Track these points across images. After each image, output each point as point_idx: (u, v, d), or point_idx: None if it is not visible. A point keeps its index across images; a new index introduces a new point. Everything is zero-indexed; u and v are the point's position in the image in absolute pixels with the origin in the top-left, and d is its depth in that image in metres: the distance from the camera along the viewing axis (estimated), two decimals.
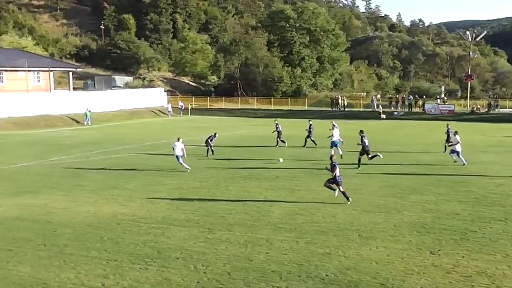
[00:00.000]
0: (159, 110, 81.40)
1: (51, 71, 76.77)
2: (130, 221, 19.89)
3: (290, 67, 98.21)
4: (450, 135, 33.89)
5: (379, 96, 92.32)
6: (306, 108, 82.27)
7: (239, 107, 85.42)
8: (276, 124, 43.62)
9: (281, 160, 33.57)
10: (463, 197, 23.48)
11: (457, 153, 32.02)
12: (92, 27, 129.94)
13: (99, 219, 20.15)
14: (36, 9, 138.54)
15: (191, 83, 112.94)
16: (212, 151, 36.55)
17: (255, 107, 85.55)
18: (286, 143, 42.19)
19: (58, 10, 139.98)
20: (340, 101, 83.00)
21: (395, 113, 75.89)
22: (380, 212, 20.91)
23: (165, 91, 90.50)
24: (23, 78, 71.42)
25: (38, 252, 16.40)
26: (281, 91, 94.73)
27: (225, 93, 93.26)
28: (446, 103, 79.60)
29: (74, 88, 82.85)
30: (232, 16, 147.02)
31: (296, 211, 21.15)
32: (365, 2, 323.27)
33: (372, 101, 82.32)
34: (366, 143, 31.60)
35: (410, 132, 54.79)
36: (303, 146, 41.51)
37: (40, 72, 75.22)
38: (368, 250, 16.35)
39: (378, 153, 32.32)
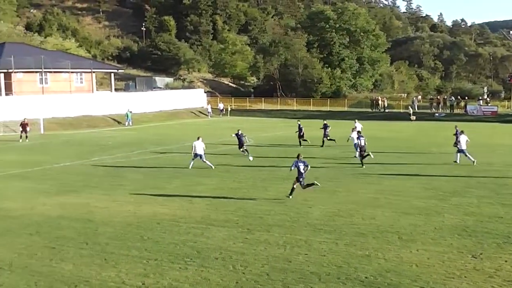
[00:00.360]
0: (199, 111, 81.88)
1: (94, 72, 77.98)
2: (170, 221, 20.05)
3: (329, 68, 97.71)
4: (459, 137, 33.69)
5: (419, 97, 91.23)
6: (346, 109, 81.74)
7: (278, 108, 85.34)
8: (299, 124, 44.19)
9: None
10: (506, 200, 23.01)
11: (463, 152, 32.26)
12: (134, 29, 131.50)
13: (140, 219, 20.36)
14: (79, 12, 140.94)
15: (230, 84, 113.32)
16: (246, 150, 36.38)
17: (294, 108, 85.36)
18: (309, 141, 42.96)
19: (101, 13, 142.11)
20: (380, 102, 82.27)
21: (436, 114, 74.84)
22: (421, 214, 20.64)
23: (204, 92, 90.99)
24: (67, 80, 72.71)
25: (80, 251, 16.66)
26: (320, 92, 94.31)
27: (264, 94, 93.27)
28: (489, 104, 78.17)
29: (115, 89, 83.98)
30: (272, 17, 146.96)
31: (336, 212, 21.03)
32: (406, 2, 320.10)
33: (412, 102, 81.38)
34: (363, 143, 32.97)
35: (451, 134, 53.95)
36: (321, 146, 41.83)
37: (83, 74, 76.47)
38: (408, 252, 16.16)
39: (370, 153, 32.86)
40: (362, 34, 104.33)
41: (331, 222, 19.61)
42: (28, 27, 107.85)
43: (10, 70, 66.36)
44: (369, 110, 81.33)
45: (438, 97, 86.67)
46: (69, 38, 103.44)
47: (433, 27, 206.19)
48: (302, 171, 23.23)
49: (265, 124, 63.23)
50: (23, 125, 49.91)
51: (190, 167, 31.78)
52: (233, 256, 15.94)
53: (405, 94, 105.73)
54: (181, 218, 20.36)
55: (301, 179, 23.21)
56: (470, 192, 24.58)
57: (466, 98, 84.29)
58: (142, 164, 34.36)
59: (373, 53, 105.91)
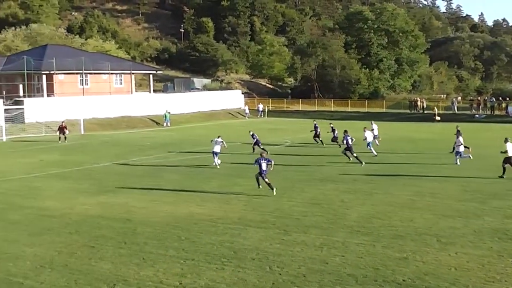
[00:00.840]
0: (237, 112, 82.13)
1: (133, 73, 78.91)
2: (207, 221, 20.14)
3: (367, 69, 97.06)
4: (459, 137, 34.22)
5: (459, 98, 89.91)
6: (384, 110, 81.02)
7: (316, 109, 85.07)
8: (315, 124, 45.19)
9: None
10: None
11: (460, 154, 33.04)
12: (172, 30, 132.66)
13: (177, 219, 20.51)
14: (119, 14, 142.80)
15: (268, 85, 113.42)
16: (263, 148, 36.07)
17: (332, 109, 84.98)
18: (324, 144, 43.57)
19: (140, 15, 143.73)
20: (419, 103, 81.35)
21: (476, 115, 73.64)
22: (460, 217, 20.34)
23: (242, 93, 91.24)
24: (106, 81, 73.72)
25: (119, 250, 16.86)
26: (358, 93, 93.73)
27: (301, 95, 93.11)
28: None
29: (154, 90, 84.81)
30: (310, 18, 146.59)
31: (373, 214, 20.87)
32: (445, 2, 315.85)
33: (452, 103, 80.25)
34: (350, 143, 33.91)
35: (491, 135, 53.00)
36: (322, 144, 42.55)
37: (122, 75, 77.44)
38: (446, 255, 15.93)
39: (352, 157, 33.90)
40: (400, 34, 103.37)
41: (368, 224, 19.47)
42: (70, 30, 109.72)
43: (52, 72, 67.62)
44: (408, 111, 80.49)
45: (478, 98, 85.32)
46: (109, 40, 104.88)
47: (474, 27, 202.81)
48: (265, 168, 25.13)
49: (303, 125, 62.93)
50: (61, 128, 50.73)
51: (215, 164, 32.73)
52: (270, 257, 15.94)
53: (444, 95, 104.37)
54: (218, 219, 20.44)
55: (263, 175, 25.06)
56: (511, 195, 24.12)
57: (507, 99, 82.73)
58: (179, 165, 34.62)
59: (412, 54, 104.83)
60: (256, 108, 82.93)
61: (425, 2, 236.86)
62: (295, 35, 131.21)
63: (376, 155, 36.27)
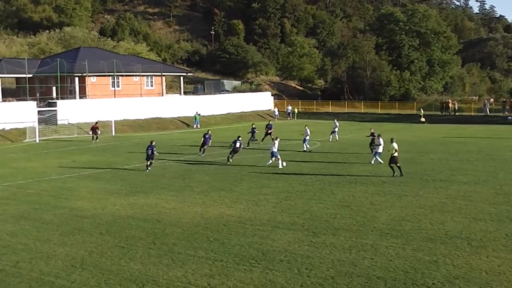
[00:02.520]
0: (266, 114, 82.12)
1: (164, 75, 79.43)
2: (236, 222, 20.21)
3: (398, 71, 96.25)
4: (375, 139, 36.28)
5: (491, 100, 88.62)
6: (415, 112, 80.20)
7: (346, 111, 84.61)
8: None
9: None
10: None
11: (378, 153, 34.40)
12: (203, 32, 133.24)
13: (207, 220, 20.61)
14: (150, 17, 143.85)
15: (298, 87, 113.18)
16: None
17: (362, 111, 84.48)
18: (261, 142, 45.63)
19: (171, 17, 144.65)
20: (450, 105, 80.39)
21: (509, 117, 72.51)
22: (492, 220, 20.08)
23: (272, 95, 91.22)
24: (138, 83, 74.32)
25: (149, 250, 17.00)
26: (388, 95, 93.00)
27: (331, 97, 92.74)
28: None
29: (184, 92, 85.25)
30: (340, 19, 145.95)
31: (403, 217, 20.72)
32: (478, 3, 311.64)
33: (484, 105, 79.15)
34: (238, 146, 36.25)
35: None
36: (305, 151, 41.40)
37: (153, 77, 77.97)
38: (478, 259, 15.74)
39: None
40: (432, 36, 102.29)
41: (398, 226, 19.33)
42: (102, 32, 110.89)
43: (84, 74, 68.40)
44: (439, 113, 79.61)
45: (511, 100, 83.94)
46: (141, 42, 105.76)
47: (508, 28, 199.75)
48: (237, 147, 33.80)
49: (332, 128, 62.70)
50: (93, 128, 51.67)
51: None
52: (299, 259, 15.93)
53: (477, 97, 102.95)
54: (247, 220, 20.49)
55: (233, 154, 33.78)
56: None
57: None
58: (209, 166, 34.79)
59: (444, 55, 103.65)
60: (286, 110, 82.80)
61: (458, 3, 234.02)
62: (326, 37, 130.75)
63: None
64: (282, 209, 22.24)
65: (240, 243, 17.58)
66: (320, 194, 25.30)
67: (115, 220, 20.82)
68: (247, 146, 44.74)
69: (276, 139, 35.87)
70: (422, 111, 74.76)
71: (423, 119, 72.52)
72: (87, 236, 18.75)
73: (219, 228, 19.42)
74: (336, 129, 49.32)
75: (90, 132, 52.29)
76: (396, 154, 29.94)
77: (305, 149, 41.20)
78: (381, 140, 34.78)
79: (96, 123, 52.94)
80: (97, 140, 50.69)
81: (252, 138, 46.98)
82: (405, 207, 22.48)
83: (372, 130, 40.59)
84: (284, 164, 33.65)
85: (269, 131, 47.92)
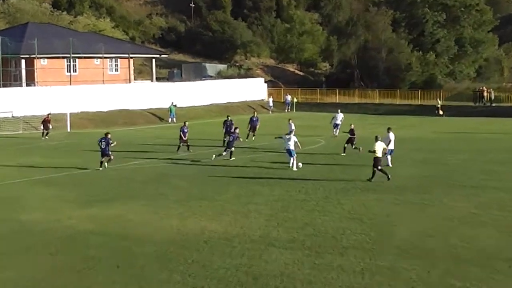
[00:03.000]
0: (259, 105, 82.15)
1: (132, 58, 79.34)
2: (220, 239, 20.10)
3: (420, 52, 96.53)
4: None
5: None
6: (441, 102, 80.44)
7: (356, 102, 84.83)
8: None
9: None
10: None
11: (389, 151, 34.78)
12: (181, 5, 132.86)
13: (184, 236, 20.50)
14: None
15: (297, 72, 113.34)
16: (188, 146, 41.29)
17: (376, 101, 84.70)
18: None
19: None
20: (485, 94, 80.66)
21: None
22: None
23: (265, 81, 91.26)
24: (99, 67, 74.20)
25: (112, 275, 16.85)
26: (409, 82, 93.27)
27: (339, 84, 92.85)
28: None
29: (157, 78, 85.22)
30: None
31: (427, 232, 20.69)
32: None
33: None
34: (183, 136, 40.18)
35: None
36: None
37: (119, 60, 77.90)
38: None
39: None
40: (462, 9, 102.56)
41: (420, 244, 19.30)
42: (56, 5, 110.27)
43: (33, 56, 68.16)
44: (471, 103, 79.90)
45: None
46: (104, 17, 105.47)
47: None
48: (231, 139, 37.71)
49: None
50: (45, 122, 51.50)
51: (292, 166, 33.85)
52: (298, 285, 15.84)
53: None
54: (234, 237, 20.38)
55: (229, 149, 37.63)
56: None
57: None
58: (188, 170, 34.69)
59: (476, 33, 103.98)
60: (283, 100, 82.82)
61: None
62: (332, 11, 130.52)
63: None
64: (278, 223, 22.15)
65: (225, 265, 17.47)
66: (324, 204, 25.23)
67: (70, 237, 20.66)
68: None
69: (290, 133, 36.53)
70: (439, 101, 74.87)
71: (440, 112, 72.48)
72: (35, 256, 18.58)
73: (199, 247, 19.30)
74: (340, 122, 50.65)
75: (41, 127, 52.14)
76: (379, 155, 30.33)
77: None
78: (392, 135, 35.02)
79: (48, 115, 52.77)
80: (47, 137, 50.61)
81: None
82: (429, 219, 22.45)
83: (353, 126, 41.05)
84: (300, 165, 33.96)
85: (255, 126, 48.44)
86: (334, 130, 50.83)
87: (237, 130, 39.35)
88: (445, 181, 30.06)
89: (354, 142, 40.18)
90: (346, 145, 39.92)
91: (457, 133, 53.82)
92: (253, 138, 48.05)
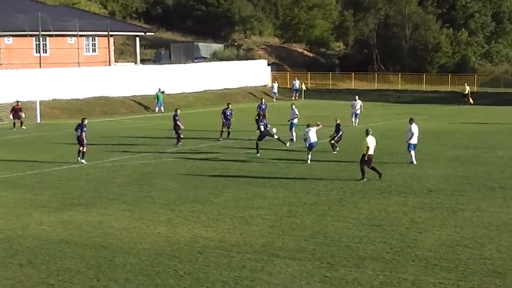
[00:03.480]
0: (261, 91, 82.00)
1: (111, 36, 79.18)
2: (217, 249, 20.19)
3: (451, 29, 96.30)
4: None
5: None
6: (475, 89, 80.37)
7: (376, 88, 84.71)
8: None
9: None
10: None
11: (412, 146, 35.23)
12: None
13: (174, 246, 20.58)
14: None
15: (306, 52, 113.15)
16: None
17: (399, 87, 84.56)
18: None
19: None
20: None
21: None
22: None
23: (268, 64, 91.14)
24: (73, 47, 74.07)
25: None
26: (437, 65, 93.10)
27: (355, 67, 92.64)
28: None
29: (141, 60, 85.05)
30: None
31: (458, 241, 20.76)
32: None
33: None
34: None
35: None
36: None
37: (96, 38, 77.81)
38: None
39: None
40: None
41: (450, 254, 19.37)
42: None
43: None
44: (511, 90, 79.78)
45: None
46: None
47: None
48: (229, 117, 44.28)
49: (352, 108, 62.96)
50: (15, 110, 51.63)
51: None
52: None
53: None
54: (232, 246, 20.48)
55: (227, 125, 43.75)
56: None
57: None
58: (179, 168, 34.76)
59: None
60: (290, 86, 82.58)
61: None
62: None
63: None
64: (283, 230, 22.24)
65: (222, 278, 17.57)
66: (338, 208, 25.30)
67: (41, 246, 20.73)
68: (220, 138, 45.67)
69: (318, 125, 37.04)
70: (467, 87, 74.49)
71: (471, 100, 72.15)
72: (1, 269, 18.66)
73: (192, 258, 19.40)
74: (359, 111, 51.78)
75: (11, 117, 52.29)
76: (371, 152, 30.57)
77: (293, 138, 42.97)
78: (415, 127, 35.10)
79: (19, 102, 52.90)
80: (23, 127, 50.93)
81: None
82: (461, 226, 22.49)
83: (339, 121, 40.61)
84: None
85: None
86: (353, 119, 51.69)
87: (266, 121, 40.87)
88: (482, 182, 30.07)
89: (338, 140, 39.91)
90: (332, 141, 39.71)
91: (495, 124, 53.78)
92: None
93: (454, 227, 22.35)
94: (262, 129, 39.62)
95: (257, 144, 38.56)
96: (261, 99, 54.41)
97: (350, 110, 52.80)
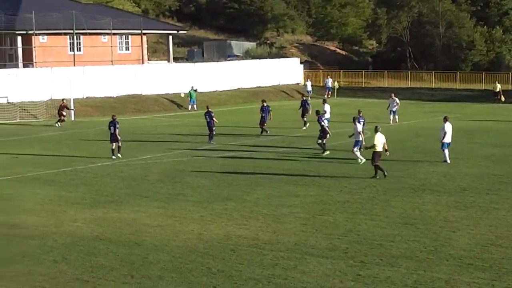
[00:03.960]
0: (294, 90, 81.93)
1: (145, 34, 79.41)
2: (249, 246, 20.21)
3: (485, 27, 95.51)
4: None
5: None
6: (510, 87, 79.62)
7: (409, 86, 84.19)
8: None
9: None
10: None
11: (446, 145, 34.76)
12: None
13: (207, 243, 20.63)
14: None
15: (338, 50, 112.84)
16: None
17: (432, 85, 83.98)
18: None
19: None
20: None
21: None
22: None
23: (301, 62, 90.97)
24: (107, 45, 74.33)
25: (124, 286, 17.05)
26: (471, 63, 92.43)
27: (388, 65, 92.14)
28: None
29: (174, 58, 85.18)
30: None
31: (492, 240, 20.63)
32: None
33: None
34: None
35: None
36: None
37: (130, 36, 78.05)
38: None
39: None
40: None
41: (485, 254, 19.25)
42: None
43: (30, 32, 68.47)
44: None
45: None
46: None
47: None
48: (264, 115, 45.50)
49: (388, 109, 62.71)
50: (62, 108, 52.86)
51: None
52: None
53: None
54: (265, 244, 20.49)
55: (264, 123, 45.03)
56: None
57: None
58: (211, 166, 34.80)
59: None
60: (323, 84, 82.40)
61: None
62: None
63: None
64: (316, 228, 22.22)
65: (255, 276, 17.59)
66: (370, 207, 25.22)
67: (75, 243, 20.88)
68: (266, 133, 45.89)
69: (361, 121, 36.78)
70: (498, 85, 73.86)
71: (502, 98, 71.57)
72: (35, 265, 18.80)
73: (225, 255, 19.43)
74: (395, 108, 52.27)
75: (58, 115, 53.37)
76: (379, 149, 30.72)
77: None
78: (448, 126, 34.91)
79: (64, 100, 53.87)
80: (59, 124, 51.79)
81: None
82: (496, 226, 22.35)
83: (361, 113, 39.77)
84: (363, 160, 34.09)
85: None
86: (391, 117, 52.08)
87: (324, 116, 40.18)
88: None
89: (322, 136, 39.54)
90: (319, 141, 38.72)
91: None
92: (305, 127, 48.88)
93: (489, 226, 22.22)
94: (326, 125, 39.11)
95: (321, 144, 38.06)
96: (302, 95, 55.13)
97: (386, 107, 53.09)
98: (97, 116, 60.74)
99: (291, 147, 40.87)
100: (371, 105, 64.63)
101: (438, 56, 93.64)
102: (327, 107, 45.15)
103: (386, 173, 30.43)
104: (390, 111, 52.68)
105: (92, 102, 64.28)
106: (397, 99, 52.91)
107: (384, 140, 30.95)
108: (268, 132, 45.58)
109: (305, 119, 49.36)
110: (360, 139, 34.56)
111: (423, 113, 61.59)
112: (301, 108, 50.41)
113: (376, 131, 31.10)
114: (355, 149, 34.52)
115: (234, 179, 31.01)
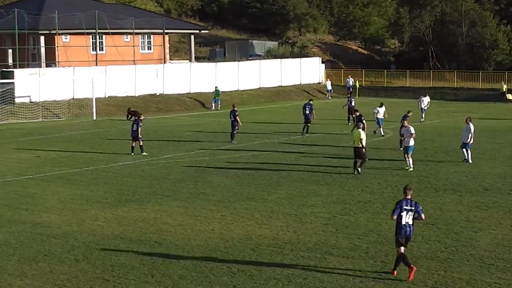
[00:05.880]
0: (315, 89, 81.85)
1: (167, 34, 79.52)
2: (270, 246, 20.22)
3: (509, 26, 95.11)
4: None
5: None
6: (506, 86, 79.11)
7: (431, 85, 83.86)
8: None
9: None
10: None
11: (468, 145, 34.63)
12: None
13: (228, 243, 20.65)
14: None
15: (360, 50, 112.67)
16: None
17: (455, 85, 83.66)
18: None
19: None
20: None
21: None
22: None
23: (323, 62, 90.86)
24: (129, 44, 74.57)
25: (144, 286, 17.10)
26: (494, 62, 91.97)
27: (410, 64, 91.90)
28: None
29: (196, 58, 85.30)
30: None
31: None
32: None
33: None
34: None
35: None
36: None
37: (152, 36, 78.19)
38: None
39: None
40: None
41: (506, 254, 19.17)
42: None
43: (53, 32, 68.76)
44: None
45: None
46: None
47: None
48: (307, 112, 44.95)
49: (412, 109, 62.41)
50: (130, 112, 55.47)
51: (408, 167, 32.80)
52: None
53: None
54: (286, 243, 20.48)
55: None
56: None
57: None
58: (233, 165, 34.82)
59: None
60: (344, 84, 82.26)
61: None
62: None
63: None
64: (337, 228, 22.20)
65: (275, 275, 17.59)
66: (392, 206, 25.09)
67: (96, 242, 20.96)
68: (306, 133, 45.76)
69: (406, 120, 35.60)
70: (504, 85, 73.72)
71: (510, 96, 71.29)
72: (57, 263, 18.90)
73: (246, 255, 19.45)
74: (426, 106, 54.39)
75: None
76: (361, 144, 31.27)
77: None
78: (471, 126, 34.59)
79: (129, 109, 57.39)
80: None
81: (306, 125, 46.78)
82: None
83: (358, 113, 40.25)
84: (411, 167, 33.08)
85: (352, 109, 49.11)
86: (423, 114, 53.78)
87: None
88: None
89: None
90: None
91: None
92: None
93: (511, 227, 22.14)
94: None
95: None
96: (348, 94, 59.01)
97: (418, 106, 53.95)
98: (119, 115, 60.90)
99: (313, 144, 40.85)
100: (394, 104, 64.40)
101: (461, 55, 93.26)
102: (381, 110, 45.59)
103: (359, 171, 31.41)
104: (421, 109, 53.80)
105: (114, 101, 64.48)
106: (428, 98, 54.92)
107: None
108: (308, 134, 45.32)
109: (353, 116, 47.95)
110: (412, 143, 32.96)
111: (446, 112, 61.41)
112: (347, 106, 51.78)
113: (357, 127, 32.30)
114: (409, 155, 33.11)
115: (255, 178, 31.03)
